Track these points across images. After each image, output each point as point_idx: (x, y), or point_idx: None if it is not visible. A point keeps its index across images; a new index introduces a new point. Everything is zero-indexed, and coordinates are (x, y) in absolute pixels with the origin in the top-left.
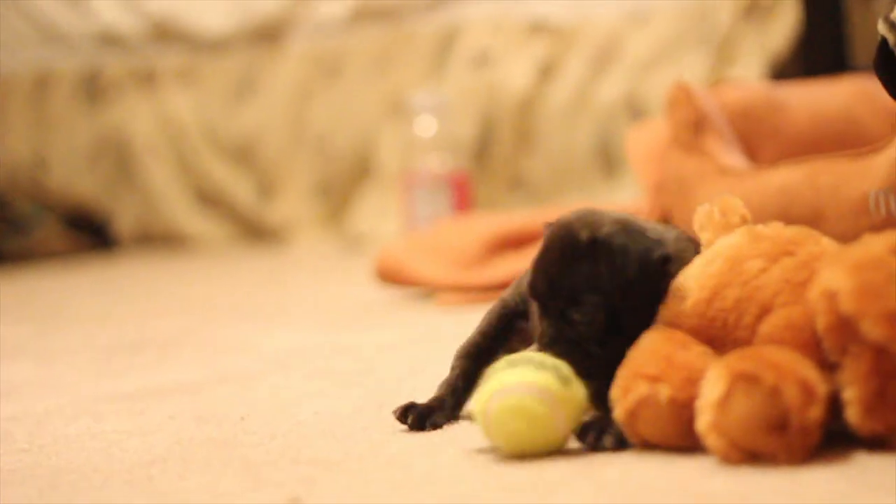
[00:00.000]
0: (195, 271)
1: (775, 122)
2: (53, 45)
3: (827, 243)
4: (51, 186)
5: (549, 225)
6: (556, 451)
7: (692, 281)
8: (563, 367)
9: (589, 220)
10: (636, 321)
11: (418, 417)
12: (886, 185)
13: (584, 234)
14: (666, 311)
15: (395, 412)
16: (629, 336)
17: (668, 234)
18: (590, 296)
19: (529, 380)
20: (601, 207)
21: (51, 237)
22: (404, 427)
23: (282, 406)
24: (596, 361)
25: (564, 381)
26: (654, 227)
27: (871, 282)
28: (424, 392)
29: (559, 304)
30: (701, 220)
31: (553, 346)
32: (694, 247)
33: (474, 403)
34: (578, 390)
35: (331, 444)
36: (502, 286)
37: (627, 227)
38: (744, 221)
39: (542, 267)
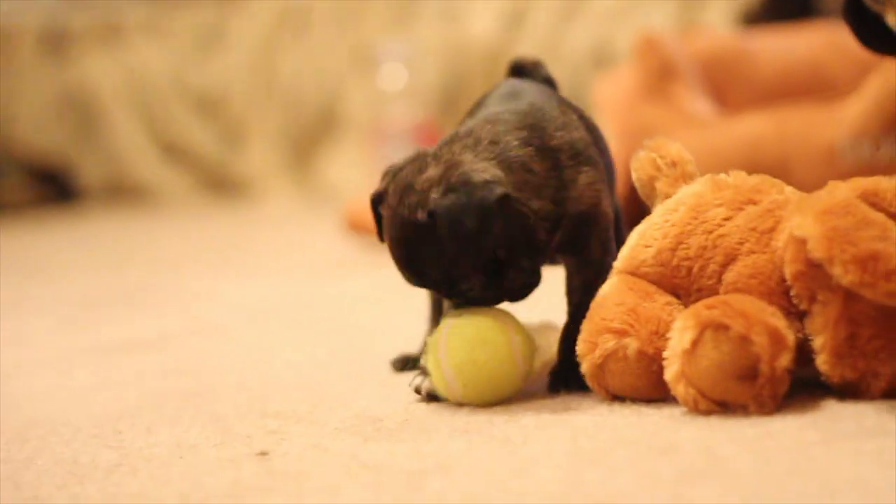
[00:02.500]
0: (161, 224)
1: (744, 69)
2: None
3: (790, 191)
4: (15, 139)
5: (376, 199)
6: (514, 393)
7: (655, 230)
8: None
9: (414, 190)
10: (516, 247)
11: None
12: (854, 132)
13: (419, 214)
14: (628, 258)
15: (394, 364)
16: (514, 267)
17: (506, 155)
18: (456, 269)
19: (481, 317)
20: (420, 151)
21: (14, 188)
22: (374, 379)
23: (251, 358)
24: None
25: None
26: (482, 161)
27: (840, 227)
28: (395, 343)
29: (440, 287)
30: (646, 168)
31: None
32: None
33: (427, 350)
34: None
35: (300, 397)
36: None
37: (452, 183)
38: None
39: (403, 262)
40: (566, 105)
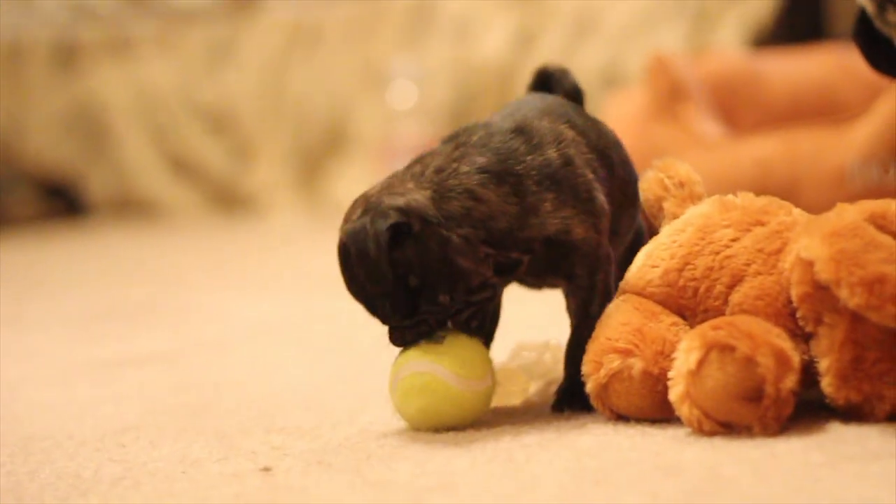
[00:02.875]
0: (169, 239)
1: (754, 91)
2: (28, 13)
3: (798, 213)
4: (25, 153)
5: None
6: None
7: (662, 250)
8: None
9: (350, 214)
10: (426, 286)
11: None
12: (863, 155)
13: (350, 248)
14: (634, 278)
15: None
16: (428, 300)
17: (446, 183)
18: (365, 292)
19: (430, 358)
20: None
21: (21, 202)
22: (377, 396)
23: (256, 374)
24: (425, 329)
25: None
26: (419, 189)
27: (848, 249)
28: None
29: (391, 321)
30: (654, 188)
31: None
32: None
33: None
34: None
35: (304, 413)
36: None
37: (366, 208)
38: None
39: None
40: (571, 120)
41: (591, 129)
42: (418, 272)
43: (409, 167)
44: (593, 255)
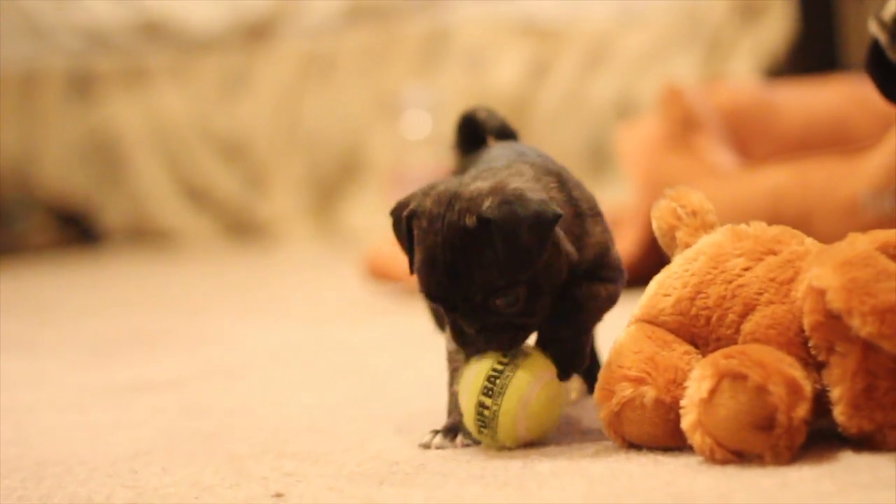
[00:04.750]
0: (183, 267)
1: (767, 121)
2: (44, 42)
3: (811, 243)
4: (40, 181)
5: (397, 211)
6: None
7: (674, 279)
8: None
9: (463, 198)
10: (548, 278)
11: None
12: (875, 186)
13: (468, 220)
14: (647, 307)
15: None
16: (548, 293)
17: (541, 184)
18: (503, 279)
19: (539, 368)
20: (440, 178)
21: (36, 230)
22: (390, 423)
23: (268, 400)
24: (527, 331)
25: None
26: (523, 183)
27: (860, 279)
28: (410, 387)
29: (475, 298)
30: (666, 218)
31: (479, 338)
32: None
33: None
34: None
35: (316, 439)
36: None
37: (507, 195)
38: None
39: (440, 268)
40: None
41: (550, 169)
42: (543, 270)
43: (490, 170)
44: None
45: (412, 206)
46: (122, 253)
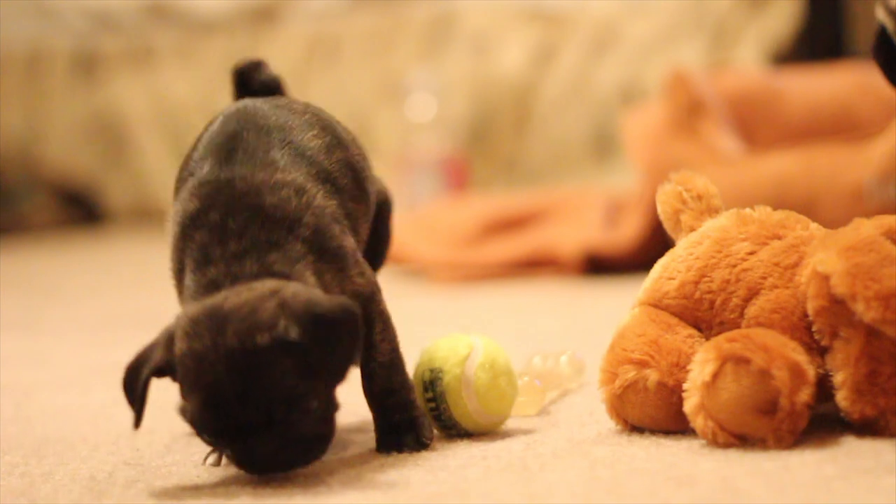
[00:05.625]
0: None
1: (773, 107)
2: (49, 22)
3: (815, 227)
4: (44, 161)
5: (135, 369)
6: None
7: (678, 262)
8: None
9: (229, 321)
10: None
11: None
12: (881, 172)
13: (258, 338)
14: (650, 290)
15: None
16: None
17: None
18: (303, 385)
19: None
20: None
21: (40, 209)
22: None
23: None
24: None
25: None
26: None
27: (864, 264)
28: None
29: (275, 415)
30: (671, 201)
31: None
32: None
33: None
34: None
35: None
36: (496, 265)
37: (295, 310)
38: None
39: (228, 399)
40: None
41: (317, 122)
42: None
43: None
44: None
45: (158, 360)
46: (125, 233)
